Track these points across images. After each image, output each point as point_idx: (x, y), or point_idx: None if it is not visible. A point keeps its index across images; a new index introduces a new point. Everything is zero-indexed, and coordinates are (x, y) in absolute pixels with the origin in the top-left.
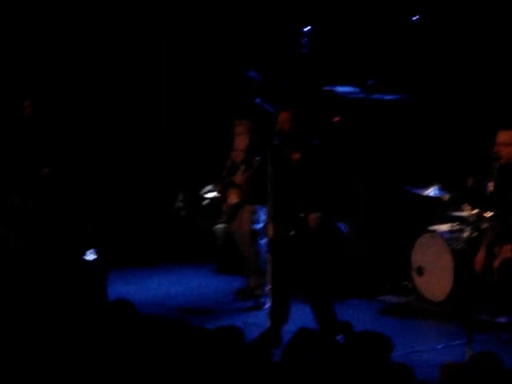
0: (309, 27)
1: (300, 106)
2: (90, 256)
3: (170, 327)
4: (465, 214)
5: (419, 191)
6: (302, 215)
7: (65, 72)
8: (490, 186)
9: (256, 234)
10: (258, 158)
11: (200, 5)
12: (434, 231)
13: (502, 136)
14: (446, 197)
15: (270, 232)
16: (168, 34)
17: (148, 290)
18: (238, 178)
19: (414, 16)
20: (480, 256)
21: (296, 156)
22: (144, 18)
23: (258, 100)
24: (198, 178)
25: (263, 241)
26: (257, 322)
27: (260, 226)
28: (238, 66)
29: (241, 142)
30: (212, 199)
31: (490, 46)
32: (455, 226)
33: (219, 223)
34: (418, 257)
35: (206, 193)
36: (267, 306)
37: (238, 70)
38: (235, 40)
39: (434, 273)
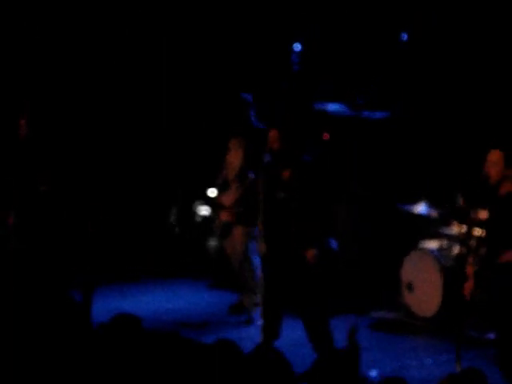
0: (299, 45)
1: (291, 123)
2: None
3: (171, 340)
4: (454, 231)
5: (408, 208)
6: (292, 230)
7: (61, 79)
8: (483, 213)
9: (250, 252)
10: (250, 175)
11: (196, 25)
12: (424, 248)
13: (492, 155)
14: (435, 213)
15: (262, 249)
16: (162, 53)
17: (142, 305)
18: (231, 195)
19: (404, 34)
20: (469, 283)
21: (286, 174)
22: (138, 38)
23: (253, 118)
24: (190, 194)
25: (257, 259)
26: (250, 336)
27: (254, 244)
28: (230, 83)
29: (234, 158)
30: (204, 215)
31: (480, 64)
32: (444, 242)
33: (212, 239)
34: (408, 273)
35: (199, 209)
36: (259, 321)
37: (231, 88)
38: (227, 56)
39: (424, 289)
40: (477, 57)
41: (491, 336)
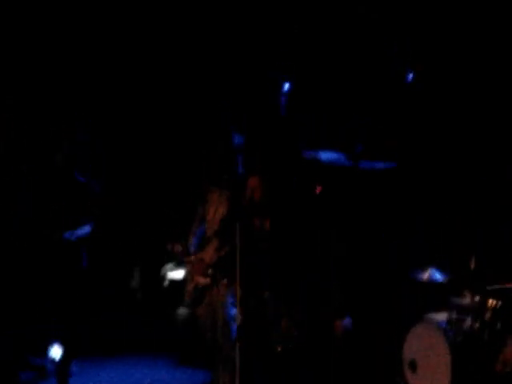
0: (287, 86)
1: (278, 171)
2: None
3: None
4: (465, 301)
5: (415, 276)
6: (266, 294)
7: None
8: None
9: (230, 318)
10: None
11: (178, 67)
12: (430, 320)
13: None
14: (444, 280)
15: (239, 317)
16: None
17: None
18: (209, 252)
19: (409, 74)
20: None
21: (265, 225)
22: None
23: (240, 166)
24: (157, 254)
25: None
26: None
27: (233, 309)
28: (210, 126)
29: (216, 211)
30: (174, 279)
31: (482, 111)
32: (454, 314)
33: (182, 307)
34: (412, 349)
35: (167, 272)
36: None
37: (211, 132)
38: (208, 96)
39: (429, 368)
40: (487, 102)
41: None
